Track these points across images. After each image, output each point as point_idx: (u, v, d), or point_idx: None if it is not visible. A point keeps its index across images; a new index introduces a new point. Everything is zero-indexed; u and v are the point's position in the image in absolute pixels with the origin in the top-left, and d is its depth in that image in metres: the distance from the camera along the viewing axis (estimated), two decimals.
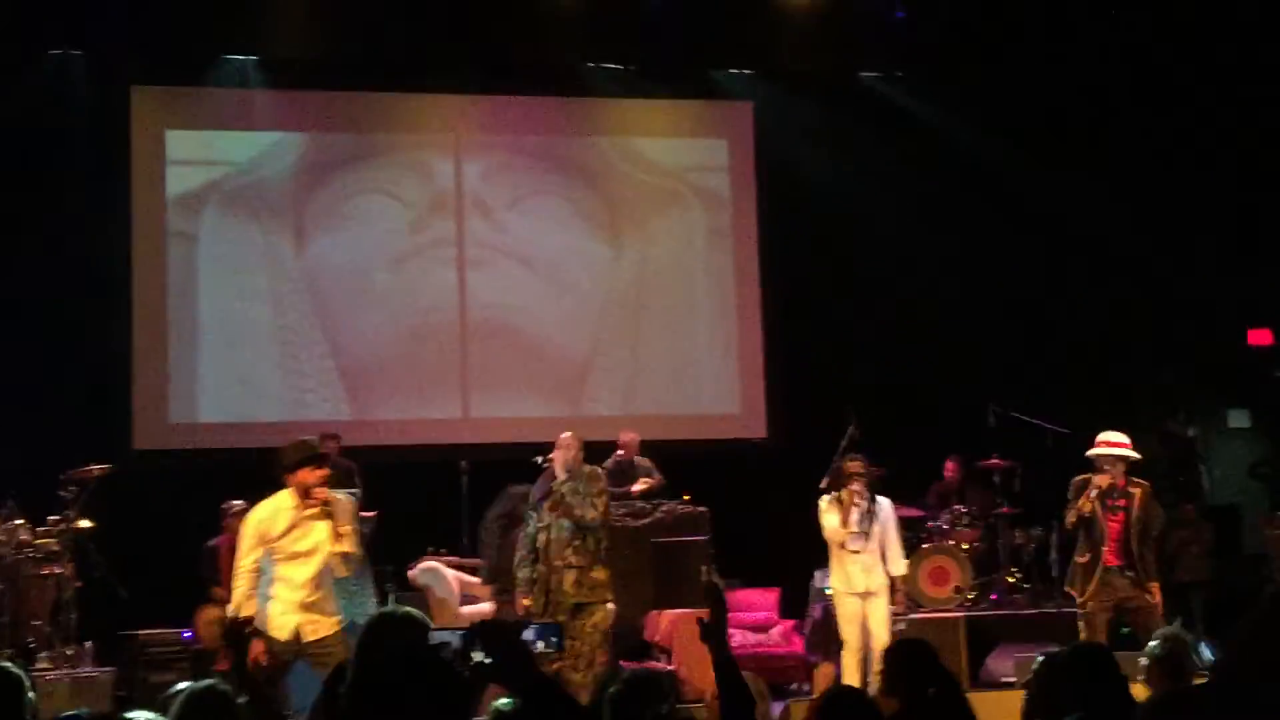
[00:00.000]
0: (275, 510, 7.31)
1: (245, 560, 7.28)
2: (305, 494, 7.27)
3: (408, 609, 4.17)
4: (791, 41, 13.43)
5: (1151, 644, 5.23)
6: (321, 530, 7.30)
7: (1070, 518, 8.90)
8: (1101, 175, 13.10)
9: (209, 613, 9.34)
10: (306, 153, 13.25)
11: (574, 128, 13.92)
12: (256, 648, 7.18)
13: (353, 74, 13.10)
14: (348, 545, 7.31)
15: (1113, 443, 8.94)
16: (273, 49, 12.83)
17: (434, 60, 13.10)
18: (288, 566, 7.27)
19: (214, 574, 9.44)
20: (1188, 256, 12.88)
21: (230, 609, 7.40)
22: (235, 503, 9.70)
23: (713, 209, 14.03)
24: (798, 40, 13.41)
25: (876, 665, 8.89)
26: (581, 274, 13.67)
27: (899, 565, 9.25)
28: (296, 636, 7.20)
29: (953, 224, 13.35)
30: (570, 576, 8.45)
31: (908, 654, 5.09)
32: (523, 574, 8.55)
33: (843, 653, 9.13)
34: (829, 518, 9.12)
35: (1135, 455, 8.97)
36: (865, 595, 9.08)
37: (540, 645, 3.91)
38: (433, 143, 13.59)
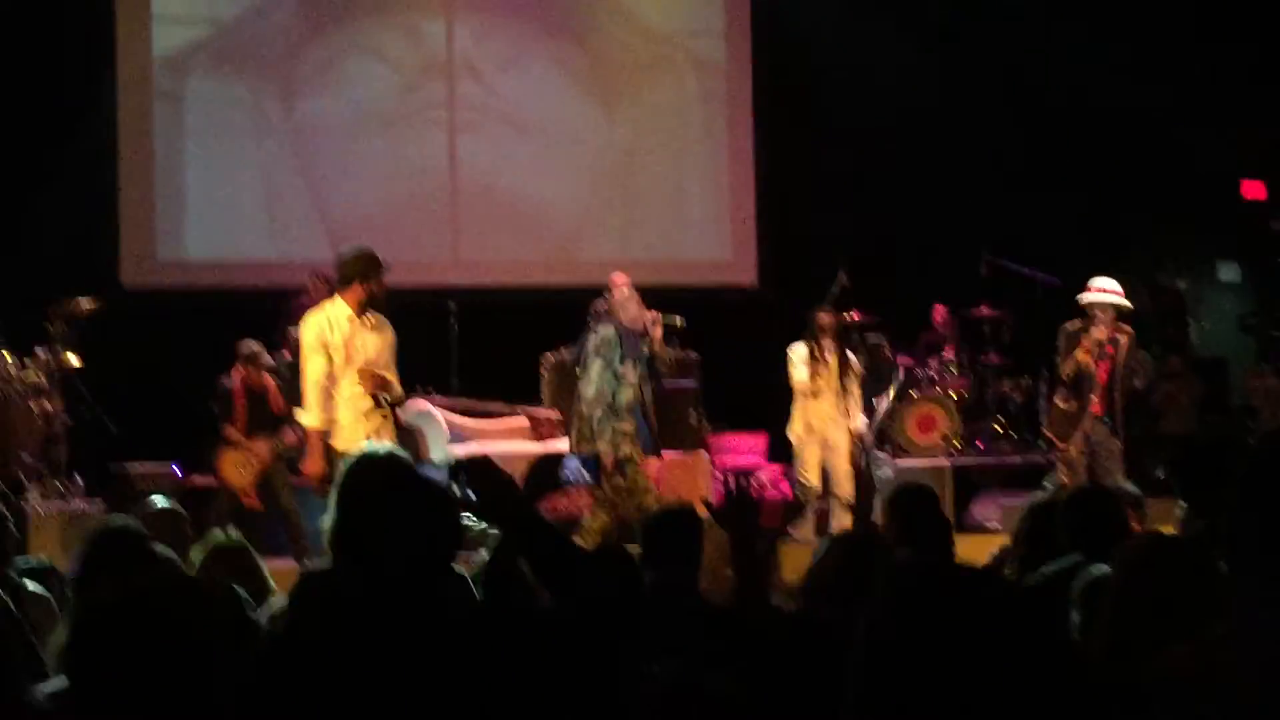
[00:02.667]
0: (333, 318, 7.33)
1: (312, 373, 7.30)
2: (362, 308, 7.32)
3: (391, 448, 4.12)
4: None
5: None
6: (374, 345, 7.38)
7: (1068, 368, 8.94)
8: (1096, 24, 12.89)
9: (229, 455, 9.44)
10: (295, 10, 13.00)
11: None
12: (314, 463, 7.25)
13: None
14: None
15: (1106, 289, 8.95)
16: None
17: None
18: (347, 380, 7.30)
19: (227, 413, 9.49)
20: (1183, 107, 12.73)
21: (308, 421, 7.44)
22: (249, 342, 9.69)
23: (706, 72, 13.86)
24: None
25: (842, 505, 9.06)
26: (574, 137, 13.51)
27: (858, 420, 9.39)
28: None
29: (949, 75, 13.16)
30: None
31: (910, 500, 5.07)
32: (610, 425, 8.46)
33: (802, 496, 9.32)
34: (799, 369, 9.22)
35: (1127, 304, 8.98)
36: (827, 444, 9.21)
37: (586, 476, 3.89)
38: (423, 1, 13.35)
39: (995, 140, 13.12)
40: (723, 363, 11.33)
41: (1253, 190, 13.20)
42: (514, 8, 13.45)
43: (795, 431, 9.46)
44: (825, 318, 9.34)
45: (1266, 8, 12.46)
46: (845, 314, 11.46)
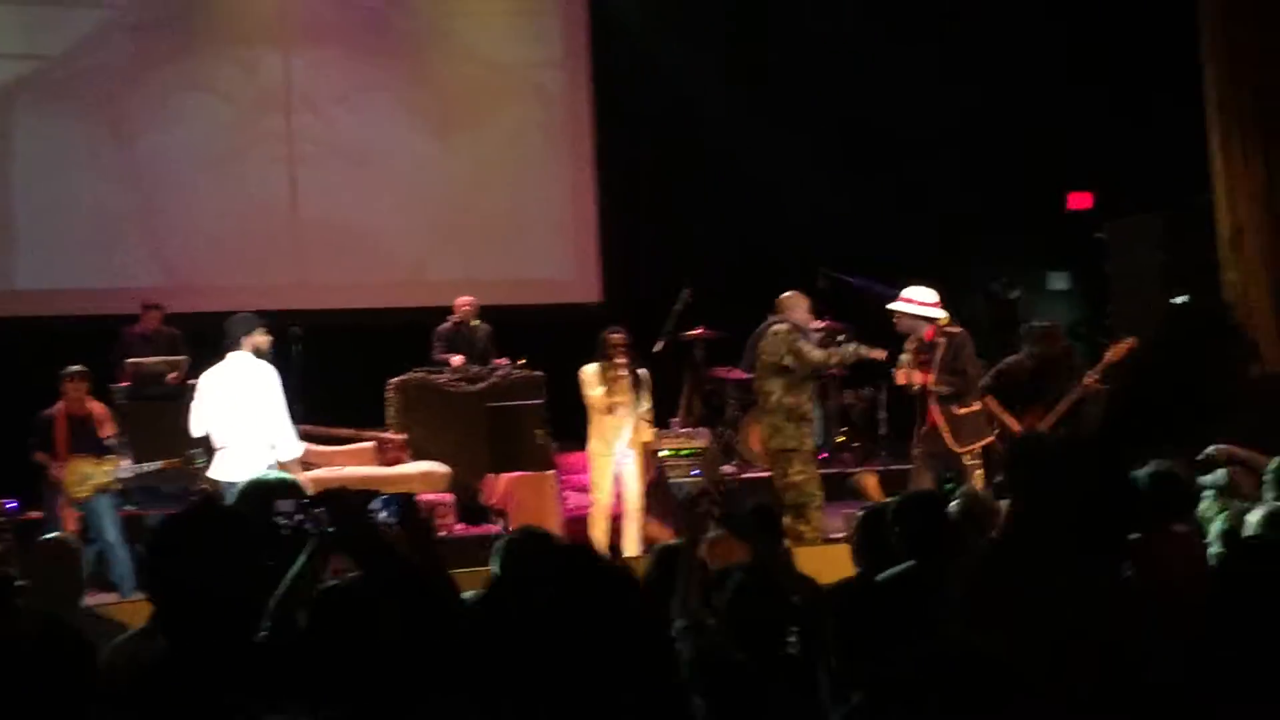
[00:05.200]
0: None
1: None
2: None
3: (281, 475, 4.07)
4: None
5: (952, 504, 5.37)
6: None
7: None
8: (928, 42, 13.18)
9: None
10: (125, 45, 12.78)
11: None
12: None
13: None
14: None
15: (905, 298, 9.01)
16: None
17: None
18: None
19: (46, 442, 9.24)
20: (1011, 118, 13.07)
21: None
22: (73, 367, 9.44)
23: (545, 100, 14.04)
24: None
25: (633, 518, 9.29)
26: (414, 166, 13.51)
27: (647, 432, 9.62)
28: None
29: (783, 96, 13.39)
30: None
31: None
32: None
33: (592, 508, 9.57)
34: (593, 387, 9.43)
35: (922, 315, 8.93)
36: (621, 457, 9.43)
37: (384, 515, 3.81)
38: (259, 33, 13.18)
39: (831, 157, 13.35)
40: (569, 381, 11.36)
41: (1078, 201, 13.58)
42: (350, 41, 13.38)
43: (591, 446, 9.71)
44: (615, 337, 9.59)
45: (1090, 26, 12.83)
46: (690, 330, 11.65)
